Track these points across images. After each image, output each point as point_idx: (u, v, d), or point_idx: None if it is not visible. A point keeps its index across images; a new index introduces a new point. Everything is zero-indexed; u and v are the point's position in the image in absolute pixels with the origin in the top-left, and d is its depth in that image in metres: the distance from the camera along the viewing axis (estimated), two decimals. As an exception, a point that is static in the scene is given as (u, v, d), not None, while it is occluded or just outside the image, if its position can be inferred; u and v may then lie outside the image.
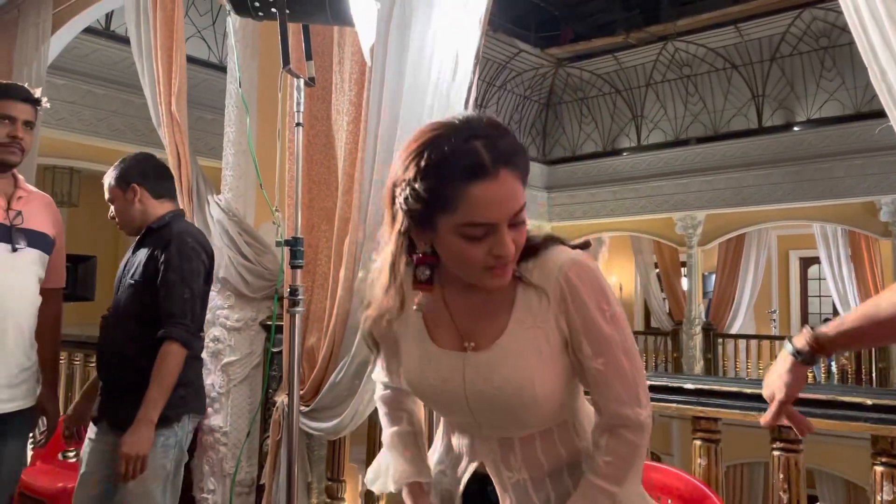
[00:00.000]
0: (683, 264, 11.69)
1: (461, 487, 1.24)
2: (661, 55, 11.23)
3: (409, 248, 1.14)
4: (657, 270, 12.91)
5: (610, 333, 1.11)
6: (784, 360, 1.23)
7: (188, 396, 2.18)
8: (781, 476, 1.82)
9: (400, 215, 1.09)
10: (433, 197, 1.04)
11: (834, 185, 9.34)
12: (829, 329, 1.17)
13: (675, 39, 10.70)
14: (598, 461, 1.13)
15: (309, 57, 2.15)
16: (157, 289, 2.16)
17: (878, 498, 1.76)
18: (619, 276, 13.95)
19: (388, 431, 1.35)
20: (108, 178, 2.33)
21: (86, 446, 2.28)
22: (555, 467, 1.19)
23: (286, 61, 1.97)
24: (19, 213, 2.19)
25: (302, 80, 2.09)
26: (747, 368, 10.27)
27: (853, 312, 1.17)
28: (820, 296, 12.01)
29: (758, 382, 2.38)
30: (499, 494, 1.19)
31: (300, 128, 2.09)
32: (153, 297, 2.17)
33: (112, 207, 2.34)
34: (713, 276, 11.98)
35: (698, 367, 10.49)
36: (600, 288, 1.12)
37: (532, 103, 13.01)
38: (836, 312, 11.12)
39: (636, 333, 11.78)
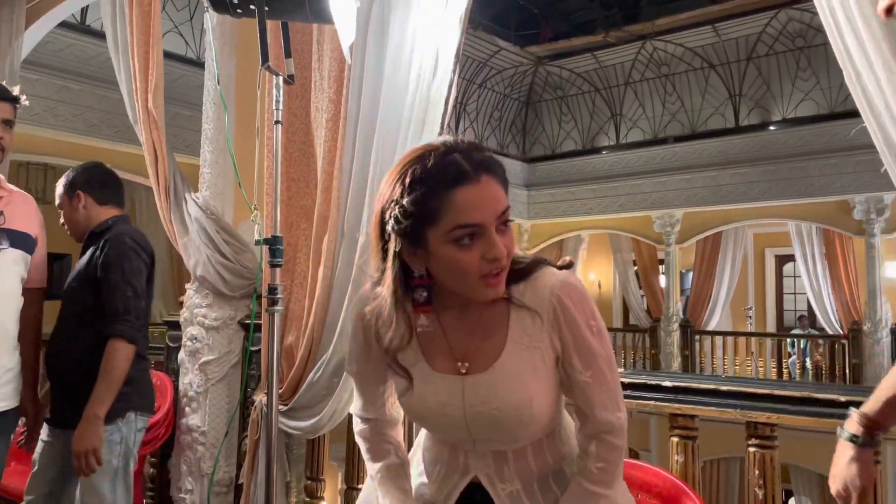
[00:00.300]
0: (661, 262, 11.79)
1: (454, 500, 1.26)
2: (640, 54, 11.31)
3: (403, 274, 1.15)
4: (635, 268, 13.02)
5: (597, 348, 1.18)
6: (844, 449, 1.21)
7: (131, 394, 2.19)
8: (757, 472, 1.84)
9: (392, 238, 1.12)
10: (420, 210, 1.07)
11: (809, 184, 9.47)
12: (872, 404, 1.17)
13: (654, 39, 10.79)
14: (590, 467, 1.19)
15: (288, 54, 2.14)
16: (96, 289, 2.19)
17: (851, 492, 1.79)
18: (598, 273, 14.04)
19: (376, 465, 1.33)
20: (58, 187, 2.40)
21: (38, 447, 2.29)
22: (542, 474, 1.24)
23: (265, 59, 1.96)
24: (1, 212, 2.18)
25: (281, 78, 2.08)
26: (724, 365, 10.39)
27: (887, 380, 1.18)
28: (795, 293, 12.19)
29: (734, 380, 2.42)
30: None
31: (279, 125, 2.08)
32: (94, 297, 2.19)
33: (61, 214, 2.40)
34: (691, 274, 12.10)
35: (676, 363, 10.59)
36: (588, 306, 1.18)
37: (512, 101, 13.04)
38: (810, 309, 11.29)
39: (614, 330, 11.89)
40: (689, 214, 10.81)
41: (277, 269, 2.05)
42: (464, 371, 1.18)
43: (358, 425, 1.38)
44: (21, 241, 2.22)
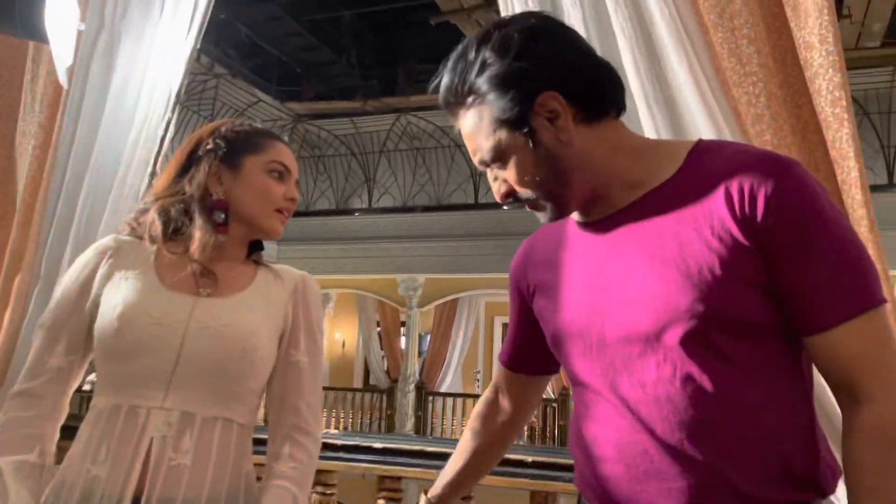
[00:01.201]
0: (403, 324, 12.21)
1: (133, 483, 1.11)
2: (395, 126, 11.89)
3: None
4: (379, 329, 13.31)
5: (320, 345, 1.32)
6: None
7: None
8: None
9: (204, 161, 1.26)
10: (246, 140, 1.29)
11: (533, 261, 10.51)
12: (437, 489, 1.26)
13: (408, 113, 11.42)
14: (283, 467, 1.21)
15: (-11, 68, 1.90)
16: None
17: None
18: (343, 332, 14.11)
19: (9, 459, 1.14)
20: None
21: None
22: (216, 481, 1.14)
23: (-46, 68, 1.72)
24: None
25: (-25, 93, 1.83)
26: (453, 425, 10.91)
27: (450, 462, 1.29)
28: (518, 359, 13.31)
29: (439, 441, 2.55)
30: (146, 485, 1.10)
31: (-34, 145, 1.81)
32: None
33: None
34: (429, 337, 12.68)
35: (409, 424, 10.89)
36: (321, 311, 1.35)
37: (268, 154, 12.84)
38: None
39: (354, 391, 11.97)
40: (431, 280, 11.39)
41: (-56, 311, 1.75)
42: (206, 294, 1.22)
43: (11, 405, 1.19)
44: None
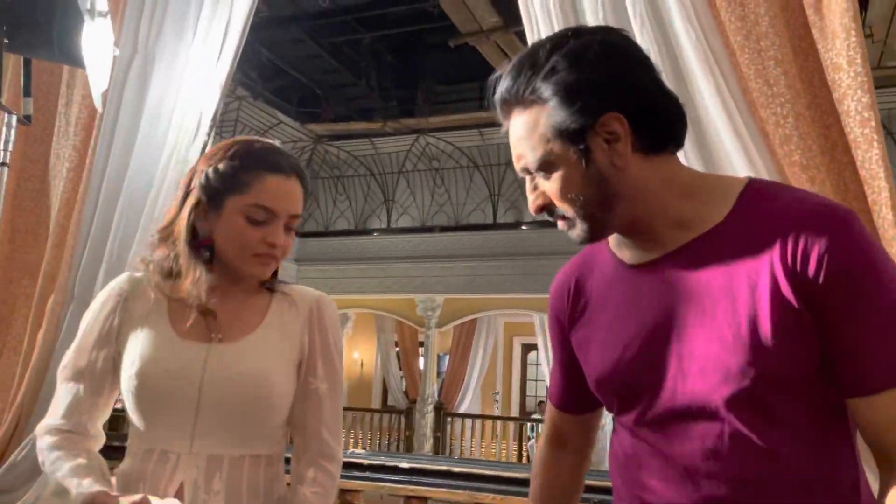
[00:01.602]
0: (421, 344, 12.20)
1: None
2: (414, 147, 11.97)
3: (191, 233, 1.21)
4: (397, 349, 13.30)
5: (339, 367, 1.29)
6: None
7: None
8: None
9: (193, 194, 1.20)
10: (231, 177, 1.19)
11: (552, 280, 10.46)
12: None
13: (427, 134, 11.50)
14: (305, 492, 1.21)
15: (27, 93, 1.95)
16: None
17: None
18: (362, 352, 14.12)
19: (66, 466, 1.15)
20: None
21: None
22: None
23: (-3, 93, 1.77)
24: None
25: (14, 117, 1.88)
26: (471, 448, 10.84)
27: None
28: (537, 380, 13.24)
29: (466, 462, 2.55)
30: None
31: (5, 168, 1.86)
32: None
33: None
34: (447, 357, 12.64)
35: (428, 445, 10.83)
36: (339, 330, 1.31)
37: (288, 175, 12.95)
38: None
39: (372, 411, 11.94)
40: (450, 300, 11.38)
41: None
42: (217, 339, 1.21)
43: (48, 439, 1.20)
44: None
